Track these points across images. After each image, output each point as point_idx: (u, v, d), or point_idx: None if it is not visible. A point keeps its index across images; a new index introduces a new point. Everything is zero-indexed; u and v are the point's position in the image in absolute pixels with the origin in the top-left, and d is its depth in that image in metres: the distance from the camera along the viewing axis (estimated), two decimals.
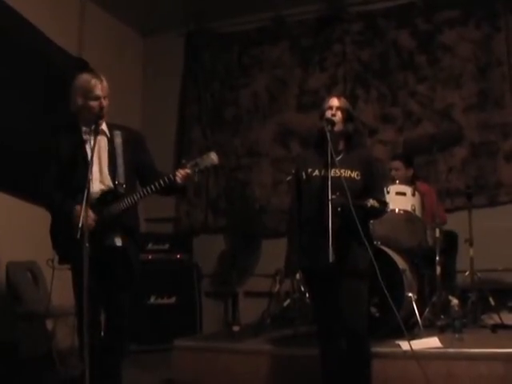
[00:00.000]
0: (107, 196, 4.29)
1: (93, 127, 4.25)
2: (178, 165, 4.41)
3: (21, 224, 6.48)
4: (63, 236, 4.20)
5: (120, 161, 4.39)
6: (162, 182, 4.29)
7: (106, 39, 8.32)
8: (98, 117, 4.30)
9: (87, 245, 3.72)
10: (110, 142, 4.43)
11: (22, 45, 6.71)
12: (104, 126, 4.42)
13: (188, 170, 4.33)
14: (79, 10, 7.86)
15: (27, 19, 6.77)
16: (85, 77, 4.40)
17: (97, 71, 4.53)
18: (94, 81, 4.35)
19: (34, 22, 6.86)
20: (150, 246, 7.75)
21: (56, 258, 4.36)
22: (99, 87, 4.34)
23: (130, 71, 8.87)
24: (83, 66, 7.50)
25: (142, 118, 8.99)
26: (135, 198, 4.32)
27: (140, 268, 4.60)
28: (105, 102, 4.35)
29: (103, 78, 4.40)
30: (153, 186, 4.31)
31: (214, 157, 4.43)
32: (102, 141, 4.40)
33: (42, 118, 6.72)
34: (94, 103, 4.32)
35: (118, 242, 4.33)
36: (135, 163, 4.50)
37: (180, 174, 4.31)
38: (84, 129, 4.35)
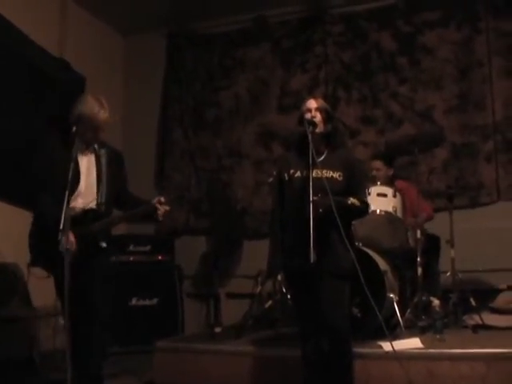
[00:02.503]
0: (88, 214, 4.45)
1: (84, 147, 4.53)
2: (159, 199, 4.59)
3: (2, 226, 6.44)
4: (43, 238, 4.33)
5: (104, 180, 4.55)
6: (142, 212, 4.60)
7: (88, 39, 8.28)
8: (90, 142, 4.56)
9: (67, 247, 3.87)
10: (98, 159, 4.59)
11: (1, 44, 6.66)
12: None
13: (167, 207, 4.52)
14: (60, 9, 7.82)
15: (7, 19, 6.73)
16: (91, 103, 4.49)
17: (100, 97, 4.58)
18: (101, 113, 4.46)
19: (15, 22, 6.82)
20: (131, 247, 7.71)
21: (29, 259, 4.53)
22: (106, 120, 4.49)
23: (111, 71, 8.84)
24: (65, 66, 7.48)
25: (123, 119, 8.94)
26: (115, 221, 4.64)
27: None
28: (101, 132, 4.52)
29: (107, 107, 4.51)
30: (132, 214, 4.67)
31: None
32: (91, 158, 4.58)
33: (22, 119, 6.69)
34: (94, 133, 4.49)
35: (103, 244, 4.51)
36: (115, 184, 4.65)
37: (161, 211, 4.52)
38: (78, 143, 4.38)
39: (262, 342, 5.67)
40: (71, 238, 4.14)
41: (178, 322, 7.76)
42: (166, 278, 7.84)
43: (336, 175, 4.25)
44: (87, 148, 4.56)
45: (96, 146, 4.61)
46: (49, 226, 4.13)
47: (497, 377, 4.47)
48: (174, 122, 8.98)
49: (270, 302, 6.65)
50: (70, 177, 4.03)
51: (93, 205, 4.51)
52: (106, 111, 4.49)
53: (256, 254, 6.65)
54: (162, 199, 4.54)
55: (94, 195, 4.52)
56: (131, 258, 7.65)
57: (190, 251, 8.34)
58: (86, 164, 4.53)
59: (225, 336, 6.15)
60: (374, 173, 6.42)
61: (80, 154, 4.47)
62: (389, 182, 6.15)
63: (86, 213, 4.45)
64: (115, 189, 4.63)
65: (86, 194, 4.49)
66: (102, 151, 4.62)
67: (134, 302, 7.50)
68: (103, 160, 4.60)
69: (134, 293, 7.53)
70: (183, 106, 8.97)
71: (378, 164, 6.51)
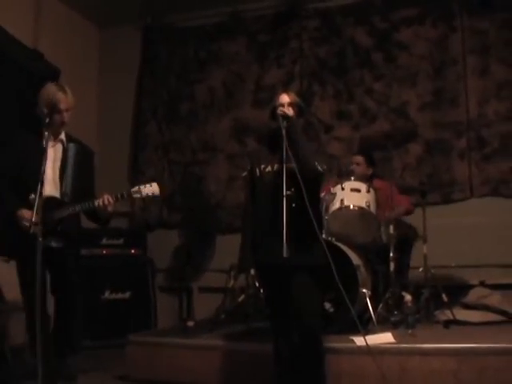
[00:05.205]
0: (51, 202, 4.52)
1: (52, 138, 4.66)
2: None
3: None
4: (8, 230, 4.50)
5: (70, 171, 4.69)
6: (87, 204, 4.58)
7: (63, 31, 8.19)
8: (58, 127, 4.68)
9: (40, 239, 3.84)
10: (65, 152, 4.73)
11: None
12: (63, 135, 4.75)
13: (110, 198, 4.56)
14: (35, 0, 7.74)
15: None
16: (51, 89, 4.65)
17: (62, 83, 4.82)
18: (59, 94, 4.61)
19: None
20: (104, 240, 7.67)
21: None
22: (64, 101, 4.62)
23: (86, 63, 8.77)
24: (39, 58, 7.42)
25: (98, 111, 8.91)
26: (76, 209, 4.60)
27: (75, 268, 4.85)
28: (67, 115, 4.64)
29: (68, 91, 4.67)
30: (82, 205, 4.60)
31: (155, 187, 4.64)
32: (59, 149, 4.73)
33: None
34: (56, 116, 4.58)
35: (54, 243, 4.53)
36: (81, 178, 4.78)
37: (101, 201, 4.57)
38: (46, 134, 4.44)
39: (234, 337, 5.67)
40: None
41: (151, 316, 7.73)
42: (139, 271, 7.82)
43: None
44: (55, 139, 4.70)
45: (64, 139, 4.75)
46: (10, 217, 4.32)
47: (468, 372, 4.50)
48: (148, 115, 8.95)
49: (242, 297, 6.64)
50: (42, 166, 4.07)
51: (56, 194, 4.63)
52: (66, 94, 4.64)
53: (229, 248, 6.69)
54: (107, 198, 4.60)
55: (58, 185, 4.65)
56: (104, 252, 7.62)
57: (163, 245, 8.32)
58: (53, 154, 4.67)
59: (197, 330, 6.14)
60: (354, 167, 6.45)
61: (48, 144, 4.51)
62: (364, 180, 6.14)
63: (49, 201, 4.50)
64: (80, 184, 4.75)
65: (52, 183, 4.62)
66: (71, 145, 4.76)
67: (106, 295, 7.47)
68: (70, 153, 4.73)
69: (106, 286, 7.49)
70: (157, 100, 8.94)
71: (359, 158, 6.54)
